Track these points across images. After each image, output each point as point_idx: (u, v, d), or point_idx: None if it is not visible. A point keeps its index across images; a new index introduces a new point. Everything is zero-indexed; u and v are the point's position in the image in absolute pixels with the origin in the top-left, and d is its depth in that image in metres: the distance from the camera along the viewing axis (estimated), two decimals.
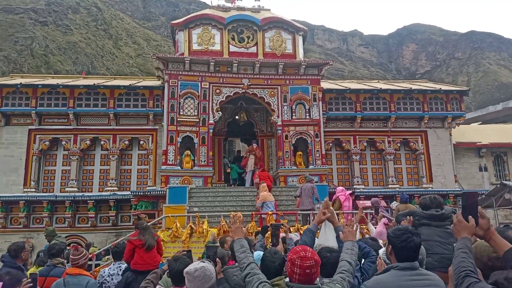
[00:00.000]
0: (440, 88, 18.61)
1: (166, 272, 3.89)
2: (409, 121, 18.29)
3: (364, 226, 6.86)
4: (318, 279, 2.80)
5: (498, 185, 15.60)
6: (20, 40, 50.20)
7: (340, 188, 12.05)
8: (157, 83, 17.35)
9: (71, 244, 14.56)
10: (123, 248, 6.90)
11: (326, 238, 3.77)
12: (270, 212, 10.50)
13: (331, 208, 3.74)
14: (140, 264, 6.35)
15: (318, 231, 3.98)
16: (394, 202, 11.52)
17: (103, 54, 58.89)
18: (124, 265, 6.63)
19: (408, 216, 4.41)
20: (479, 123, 23.85)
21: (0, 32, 49.50)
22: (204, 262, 3.17)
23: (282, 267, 3.61)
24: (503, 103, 24.32)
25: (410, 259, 3.00)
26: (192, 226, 9.73)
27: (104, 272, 6.61)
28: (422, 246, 3.57)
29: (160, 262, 6.75)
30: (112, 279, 6.48)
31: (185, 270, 3.05)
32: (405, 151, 18.44)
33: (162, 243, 7.68)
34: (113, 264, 6.74)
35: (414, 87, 18.87)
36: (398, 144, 18.13)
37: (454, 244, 4.31)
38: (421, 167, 18.07)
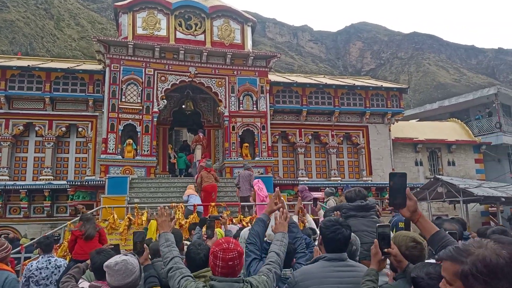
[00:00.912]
0: (382, 85, 19.29)
1: (90, 266, 3.66)
2: (351, 116, 18.81)
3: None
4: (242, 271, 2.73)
5: (432, 179, 16.49)
6: None
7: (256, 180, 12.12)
8: (98, 67, 16.55)
9: (1, 235, 13.70)
10: (53, 241, 6.76)
11: None
12: (213, 204, 10.36)
13: (282, 198, 3.68)
14: (80, 254, 6.71)
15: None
16: (331, 198, 11.74)
17: (43, 35, 55.47)
18: (53, 258, 6.30)
19: (335, 211, 4.53)
20: (417, 120, 25.04)
21: None
22: (126, 255, 2.99)
23: (208, 258, 3.51)
24: (439, 102, 25.65)
25: (338, 250, 3.02)
26: (131, 217, 9.38)
27: (32, 265, 6.21)
28: (356, 236, 3.63)
29: None
30: (40, 272, 6.12)
31: (105, 263, 2.86)
32: (347, 145, 18.98)
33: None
34: (42, 257, 6.35)
35: (357, 83, 19.43)
36: (341, 138, 18.63)
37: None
38: (361, 160, 18.68)
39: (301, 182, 16.91)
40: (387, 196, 17.77)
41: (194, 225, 6.64)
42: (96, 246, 6.55)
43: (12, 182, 15.05)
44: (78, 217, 11.28)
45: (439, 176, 16.55)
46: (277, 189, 3.80)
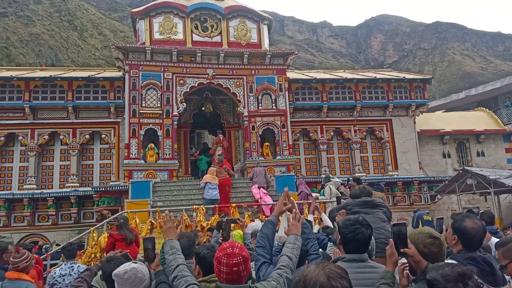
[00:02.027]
0: (404, 77, 18.80)
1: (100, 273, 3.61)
2: (374, 110, 18.41)
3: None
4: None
5: (461, 171, 15.95)
6: None
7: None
8: (118, 74, 16.75)
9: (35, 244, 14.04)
10: (76, 247, 6.85)
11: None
12: (233, 205, 10.28)
13: (291, 198, 3.54)
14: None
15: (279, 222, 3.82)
16: (329, 184, 11.62)
17: (68, 46, 56.91)
18: (76, 265, 6.34)
19: (341, 210, 4.37)
20: (443, 111, 24.33)
21: None
22: (136, 262, 2.91)
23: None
24: (466, 91, 24.87)
25: (358, 250, 2.86)
26: (153, 221, 9.40)
27: (55, 272, 6.25)
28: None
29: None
30: (64, 279, 6.14)
31: (114, 272, 2.78)
32: (371, 139, 18.57)
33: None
34: (65, 264, 6.39)
35: (378, 76, 18.99)
36: (364, 133, 18.24)
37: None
38: (386, 155, 18.25)
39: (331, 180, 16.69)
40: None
41: (209, 229, 6.56)
42: (134, 248, 6.66)
43: (39, 191, 15.41)
44: (102, 223, 11.48)
45: (468, 168, 16.00)
46: (285, 188, 3.67)
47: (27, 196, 15.11)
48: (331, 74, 19.96)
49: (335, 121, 18.09)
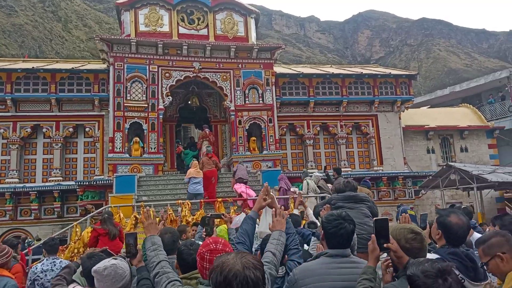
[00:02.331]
0: (390, 73, 18.92)
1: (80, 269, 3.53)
2: (360, 105, 18.49)
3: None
4: None
5: (444, 167, 16.15)
6: None
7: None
8: (103, 66, 16.50)
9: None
10: (57, 242, 6.78)
11: (267, 225, 3.55)
12: (219, 199, 10.23)
13: (271, 194, 3.51)
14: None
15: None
16: (307, 178, 11.82)
17: (52, 38, 55.79)
18: (58, 260, 6.25)
19: (325, 205, 4.36)
20: (428, 107, 24.58)
21: None
22: (116, 259, 2.84)
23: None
24: (450, 87, 25.15)
25: (341, 246, 2.86)
26: (137, 216, 9.31)
27: (37, 268, 6.16)
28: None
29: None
30: (45, 275, 6.06)
31: (93, 268, 2.72)
32: (357, 134, 18.67)
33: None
34: (46, 260, 6.29)
35: (365, 71, 19.06)
36: (350, 128, 18.32)
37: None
38: (372, 150, 18.37)
39: (309, 174, 16.75)
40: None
41: (194, 224, 6.52)
42: (118, 243, 6.62)
43: (21, 185, 15.13)
44: (85, 217, 11.33)
45: (452, 163, 16.20)
46: (265, 184, 3.63)
47: (9, 190, 14.83)
48: (318, 69, 19.97)
49: (322, 116, 18.12)
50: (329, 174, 12.95)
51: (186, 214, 9.20)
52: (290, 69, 19.59)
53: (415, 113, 20.43)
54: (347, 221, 2.87)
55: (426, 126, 19.59)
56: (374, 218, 2.56)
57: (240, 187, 11.74)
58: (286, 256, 3.14)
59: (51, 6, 59.42)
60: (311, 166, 17.51)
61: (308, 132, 17.78)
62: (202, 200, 10.08)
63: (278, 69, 18.44)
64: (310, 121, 17.91)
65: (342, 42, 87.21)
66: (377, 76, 18.43)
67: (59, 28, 58.12)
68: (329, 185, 11.65)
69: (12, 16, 53.12)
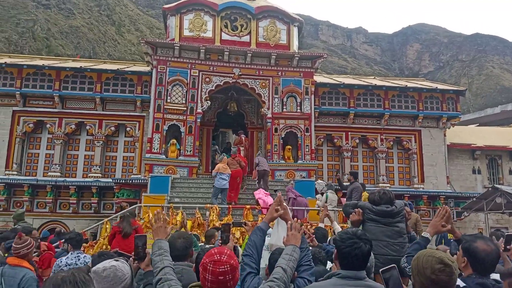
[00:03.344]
0: (436, 87, 18.15)
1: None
2: (403, 119, 17.85)
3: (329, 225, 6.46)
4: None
5: (490, 189, 15.24)
6: (22, 22, 49.78)
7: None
8: (147, 69, 16.92)
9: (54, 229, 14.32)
10: (82, 237, 6.95)
11: (279, 237, 3.38)
12: (248, 206, 10.11)
13: (284, 204, 3.33)
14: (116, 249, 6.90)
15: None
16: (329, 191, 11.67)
17: (105, 40, 58.40)
18: (82, 255, 6.33)
19: (358, 209, 4.04)
20: (476, 125, 23.42)
21: (2, 13, 49.08)
22: (117, 260, 2.77)
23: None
24: (502, 106, 23.88)
25: (355, 267, 2.62)
26: (166, 217, 9.34)
27: (61, 261, 6.25)
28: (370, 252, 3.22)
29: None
30: (69, 269, 6.15)
31: (93, 269, 2.65)
32: (398, 150, 18.03)
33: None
34: (71, 254, 6.39)
35: (410, 85, 18.41)
36: (391, 143, 17.72)
37: (404, 243, 3.97)
38: (413, 166, 17.66)
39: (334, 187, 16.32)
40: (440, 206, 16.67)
41: (214, 230, 6.41)
42: (131, 242, 6.67)
43: (62, 179, 15.69)
44: (116, 215, 11.54)
45: (498, 186, 15.25)
46: (278, 193, 3.45)
47: (50, 183, 15.41)
48: (360, 80, 19.51)
49: (361, 129, 17.65)
50: (340, 180, 12.67)
51: (214, 218, 9.15)
52: (332, 78, 19.26)
53: (461, 131, 19.48)
54: (363, 241, 2.65)
55: (473, 145, 18.60)
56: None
57: (259, 193, 11.63)
58: (295, 273, 2.95)
59: (106, 10, 62.19)
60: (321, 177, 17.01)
61: (346, 144, 17.36)
62: (230, 206, 10.00)
63: (319, 78, 18.17)
64: (349, 133, 17.48)
65: (389, 54, 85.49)
66: (423, 90, 17.74)
67: (113, 31, 60.71)
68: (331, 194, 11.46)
69: (70, 18, 56.03)
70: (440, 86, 18.86)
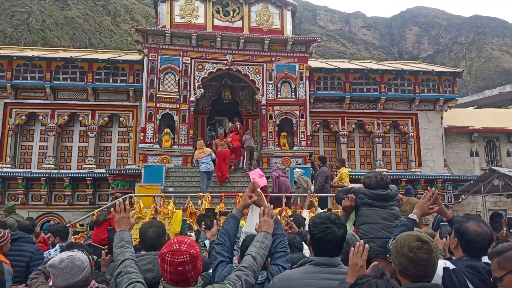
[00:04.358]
0: (433, 70, 17.91)
1: None
2: (399, 103, 17.65)
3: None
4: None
5: (487, 171, 15.12)
6: (17, 15, 49.28)
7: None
8: (138, 57, 16.66)
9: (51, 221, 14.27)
10: (69, 229, 7.04)
11: (253, 225, 3.24)
12: (240, 194, 9.98)
13: (258, 190, 3.18)
14: (94, 239, 6.87)
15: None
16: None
17: (101, 31, 57.88)
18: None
19: (350, 195, 3.90)
20: (475, 107, 23.20)
21: None
22: (73, 251, 2.64)
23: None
24: (500, 88, 23.64)
25: (329, 253, 2.50)
26: (157, 207, 9.24)
27: (50, 254, 6.18)
28: (355, 235, 3.10)
29: None
30: None
31: (48, 263, 2.51)
32: (395, 134, 17.86)
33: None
34: (59, 246, 6.32)
35: (406, 67, 18.15)
36: (388, 127, 17.55)
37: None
38: (410, 150, 17.51)
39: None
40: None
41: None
42: (102, 232, 6.67)
43: (56, 171, 15.57)
44: (106, 205, 11.44)
45: (495, 168, 15.11)
46: (252, 180, 3.31)
47: (44, 175, 15.30)
48: (356, 64, 19.24)
49: (358, 113, 17.46)
50: (314, 163, 12.74)
51: (206, 207, 9.03)
52: (326, 63, 19.01)
53: (459, 113, 19.28)
54: (337, 225, 2.51)
55: (470, 127, 18.41)
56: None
57: (254, 173, 11.55)
58: (269, 259, 2.82)
59: (101, 0, 61.51)
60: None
61: (342, 129, 17.18)
62: (223, 194, 9.89)
63: (314, 63, 17.93)
64: (345, 118, 17.30)
65: (388, 39, 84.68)
66: (419, 72, 17.49)
67: (108, 21, 60.16)
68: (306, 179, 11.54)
69: (65, 9, 55.46)
70: (436, 69, 18.62)
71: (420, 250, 2.05)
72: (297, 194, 11.08)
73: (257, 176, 11.01)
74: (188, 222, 9.16)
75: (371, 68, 17.66)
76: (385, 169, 17.03)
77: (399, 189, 15.21)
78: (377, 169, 16.83)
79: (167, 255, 2.10)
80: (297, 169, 12.11)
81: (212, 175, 12.88)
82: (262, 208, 2.98)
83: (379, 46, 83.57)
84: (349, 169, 16.68)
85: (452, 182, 16.89)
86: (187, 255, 2.09)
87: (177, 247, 2.11)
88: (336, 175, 11.39)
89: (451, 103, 17.81)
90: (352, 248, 2.25)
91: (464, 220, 2.79)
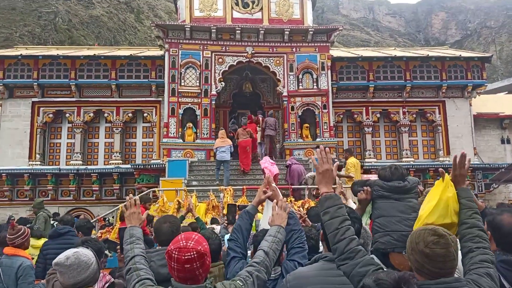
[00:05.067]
0: (460, 55, 17.29)
1: None
2: (426, 91, 17.16)
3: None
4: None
5: None
6: (44, 15, 50.55)
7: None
8: (160, 53, 16.77)
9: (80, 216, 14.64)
10: (92, 225, 7.12)
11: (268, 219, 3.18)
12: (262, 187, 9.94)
13: (273, 184, 3.11)
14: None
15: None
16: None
17: (125, 28, 58.77)
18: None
19: (366, 188, 3.76)
20: (505, 93, 22.33)
21: (24, 7, 49.87)
22: (79, 248, 2.63)
23: (216, 253, 3.04)
24: None
25: None
26: (180, 200, 9.30)
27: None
28: (366, 229, 2.97)
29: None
30: None
31: (54, 261, 2.51)
32: (421, 122, 17.40)
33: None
34: None
35: (432, 54, 17.59)
36: (414, 115, 17.10)
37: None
38: (438, 139, 17.03)
39: (369, 164, 15.93)
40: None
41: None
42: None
43: (84, 167, 15.92)
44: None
45: None
46: (267, 174, 3.23)
47: (72, 171, 15.67)
48: (380, 52, 18.79)
49: (382, 102, 17.08)
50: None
51: (228, 200, 9.04)
52: (349, 52, 18.63)
53: (488, 100, 18.58)
54: (352, 219, 2.41)
55: (501, 114, 17.72)
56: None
57: (264, 162, 11.43)
58: (283, 254, 2.75)
59: None
60: (369, 155, 16.57)
61: (367, 119, 16.85)
62: (245, 187, 9.86)
63: (336, 52, 17.60)
64: (370, 108, 16.94)
65: (414, 25, 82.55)
66: (446, 58, 16.92)
67: (132, 18, 60.98)
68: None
69: (90, 8, 56.48)
70: (464, 54, 17.98)
71: (436, 244, 1.90)
72: (310, 187, 10.88)
73: (269, 164, 10.90)
74: (212, 216, 9.20)
75: (395, 55, 17.20)
76: (412, 159, 16.68)
77: (427, 179, 14.87)
78: (403, 159, 16.50)
79: (174, 252, 2.05)
80: (311, 174, 11.80)
81: (229, 165, 12.98)
82: (275, 201, 2.91)
83: (405, 33, 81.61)
84: (375, 160, 16.53)
85: (483, 171, 16.36)
86: (195, 252, 2.03)
87: (184, 243, 2.06)
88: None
89: (480, 89, 17.18)
90: (315, 156, 2.17)
91: (498, 212, 2.65)
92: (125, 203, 2.84)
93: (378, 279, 1.52)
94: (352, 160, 10.82)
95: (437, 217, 2.35)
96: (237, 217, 4.88)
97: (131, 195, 3.22)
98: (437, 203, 2.37)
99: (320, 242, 2.80)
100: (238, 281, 2.23)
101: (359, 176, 10.65)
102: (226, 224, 5.01)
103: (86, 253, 2.51)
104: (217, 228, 6.56)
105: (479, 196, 15.07)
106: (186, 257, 2.02)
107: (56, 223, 11.93)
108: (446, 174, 2.48)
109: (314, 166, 2.54)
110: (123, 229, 3.15)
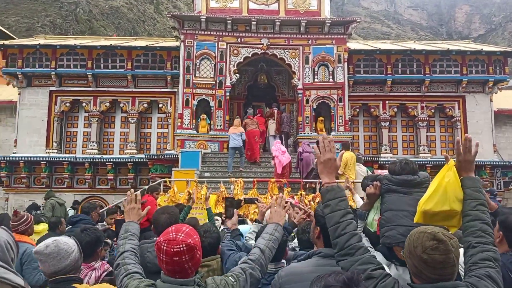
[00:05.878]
0: (482, 49, 16.78)
1: None
2: (445, 85, 16.75)
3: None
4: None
5: None
6: (65, 6, 51.34)
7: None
8: (176, 44, 16.79)
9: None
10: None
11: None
12: (272, 180, 9.88)
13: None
14: None
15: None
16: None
17: (145, 19, 59.29)
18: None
19: (375, 182, 3.65)
20: None
21: None
22: (58, 237, 2.63)
23: (214, 247, 3.01)
24: None
25: None
26: (190, 191, 9.31)
27: None
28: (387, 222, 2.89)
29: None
30: None
31: (34, 249, 2.52)
32: (440, 118, 17.02)
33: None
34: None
35: (452, 47, 17.14)
36: (432, 110, 16.72)
37: None
38: (456, 135, 16.61)
39: (384, 159, 15.67)
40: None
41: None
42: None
43: (99, 156, 16.11)
44: (141, 190, 11.70)
45: None
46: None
47: (88, 160, 15.88)
48: (398, 45, 18.40)
49: (400, 96, 16.74)
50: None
51: (238, 192, 9.01)
52: (367, 44, 18.30)
53: (510, 96, 18.06)
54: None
55: None
56: None
57: (276, 150, 11.29)
58: (287, 250, 2.69)
59: None
60: (385, 150, 16.27)
61: (383, 114, 16.55)
62: (255, 179, 9.82)
63: (353, 45, 17.31)
64: (387, 102, 16.63)
65: (436, 18, 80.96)
66: (466, 52, 16.47)
67: (151, 10, 61.43)
68: None
69: None
70: (485, 48, 17.46)
71: (435, 250, 1.78)
72: (315, 181, 10.66)
73: (280, 153, 10.76)
74: (222, 207, 9.21)
75: (414, 48, 16.82)
76: (430, 155, 16.34)
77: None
78: (420, 155, 16.20)
79: (163, 244, 2.01)
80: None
81: (242, 152, 13.16)
82: (275, 197, 2.86)
83: (427, 26, 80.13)
84: (391, 155, 16.26)
85: (502, 168, 15.95)
86: (184, 245, 1.99)
87: (174, 236, 2.02)
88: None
89: (501, 85, 16.69)
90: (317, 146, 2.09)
91: (510, 212, 2.54)
92: (125, 198, 2.83)
93: (326, 285, 1.50)
94: (345, 154, 10.59)
95: (435, 203, 2.23)
96: (235, 211, 4.81)
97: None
98: (435, 189, 2.26)
99: (312, 240, 2.70)
100: (230, 277, 2.20)
101: (353, 170, 10.42)
102: (223, 218, 4.93)
103: (66, 241, 2.50)
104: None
105: (497, 195, 14.71)
106: (175, 250, 1.98)
107: (73, 211, 12.20)
108: (451, 159, 2.34)
109: (316, 155, 2.45)
110: (119, 221, 3.14)
